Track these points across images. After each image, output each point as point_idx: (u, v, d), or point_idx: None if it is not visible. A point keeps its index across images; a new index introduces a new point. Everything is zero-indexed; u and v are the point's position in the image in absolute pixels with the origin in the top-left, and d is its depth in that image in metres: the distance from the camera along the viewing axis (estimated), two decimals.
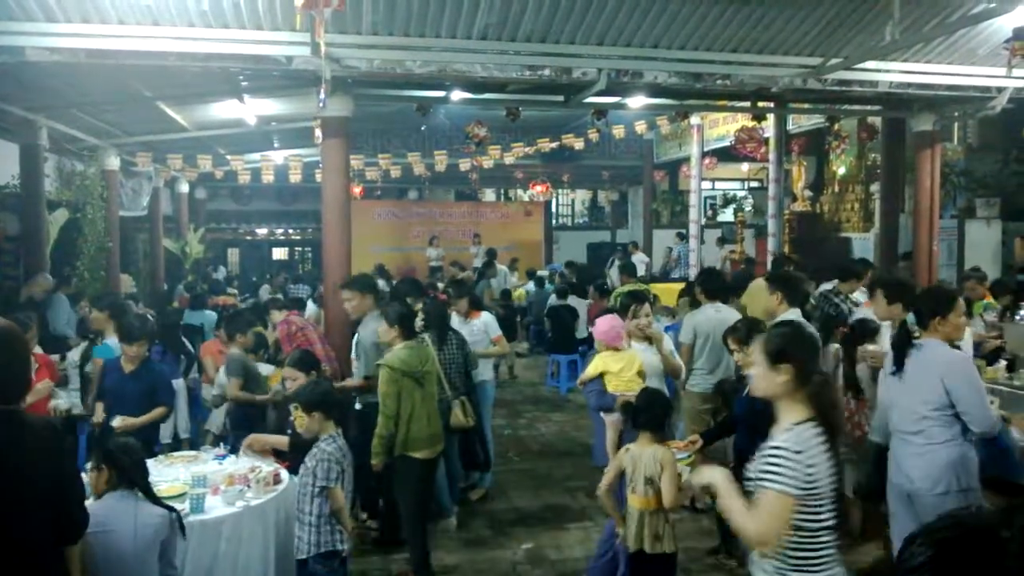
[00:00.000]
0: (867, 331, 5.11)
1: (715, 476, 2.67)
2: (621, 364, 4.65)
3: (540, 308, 12.30)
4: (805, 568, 2.51)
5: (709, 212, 20.38)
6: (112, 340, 6.06)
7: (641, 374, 4.61)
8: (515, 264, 15.70)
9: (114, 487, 3.27)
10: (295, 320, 6.71)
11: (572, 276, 13.31)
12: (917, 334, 3.97)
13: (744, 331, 4.23)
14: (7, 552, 2.40)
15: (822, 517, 2.48)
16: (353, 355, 5.64)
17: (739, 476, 4.04)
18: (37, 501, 2.46)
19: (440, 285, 10.58)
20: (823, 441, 2.48)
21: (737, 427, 4.34)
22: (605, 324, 4.78)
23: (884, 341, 4.73)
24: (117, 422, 4.83)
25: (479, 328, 6.51)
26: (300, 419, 3.90)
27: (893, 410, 4.02)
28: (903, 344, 3.95)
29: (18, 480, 2.41)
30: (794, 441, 2.46)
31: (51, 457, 2.52)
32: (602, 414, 4.68)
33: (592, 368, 4.74)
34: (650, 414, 4.04)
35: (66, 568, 2.63)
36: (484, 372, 6.53)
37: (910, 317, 4.08)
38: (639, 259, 15.86)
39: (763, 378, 2.62)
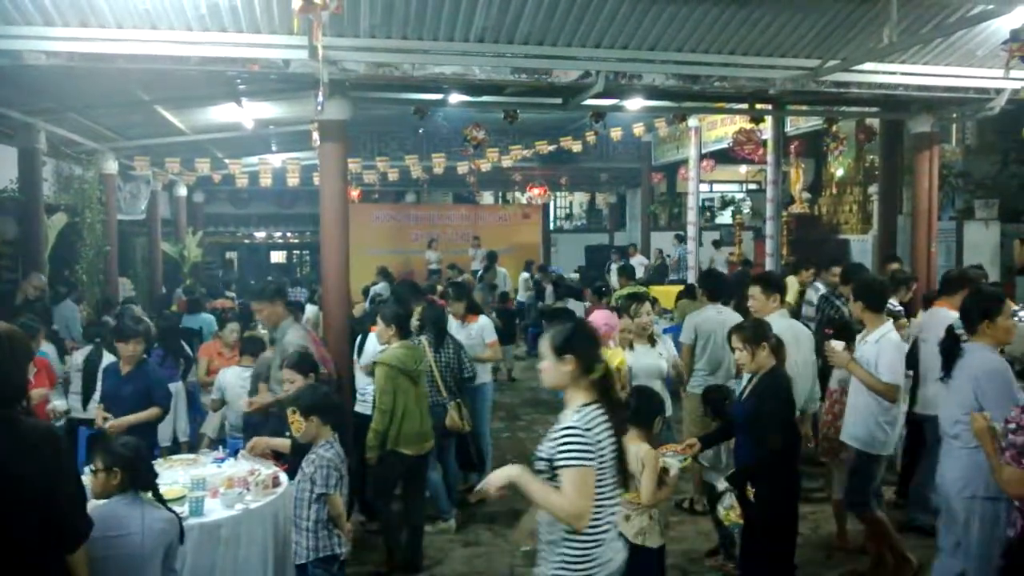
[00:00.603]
0: (846, 332, 5.16)
1: (510, 472, 2.89)
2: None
3: (538, 311, 12.28)
4: (585, 542, 2.78)
5: (707, 214, 20.40)
6: (45, 347, 6.04)
7: (620, 367, 4.57)
8: (530, 267, 15.58)
9: (123, 490, 3.24)
10: None
11: (546, 282, 13.10)
12: (966, 338, 3.95)
13: (751, 331, 4.21)
14: (5, 557, 2.39)
15: (605, 491, 2.80)
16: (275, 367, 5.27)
17: (739, 481, 4.07)
18: (34, 505, 2.43)
19: (439, 288, 10.57)
20: (606, 420, 2.82)
21: (736, 432, 4.32)
22: (601, 318, 4.79)
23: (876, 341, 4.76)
24: (110, 423, 4.81)
25: (476, 332, 6.51)
26: (297, 423, 3.88)
27: (940, 413, 4.10)
28: (951, 350, 3.92)
29: (14, 484, 2.40)
30: (583, 420, 2.75)
31: (48, 461, 2.50)
32: None
33: None
34: (642, 411, 4.06)
35: (69, 573, 2.61)
36: (483, 374, 6.53)
37: (957, 320, 4.07)
38: (638, 261, 15.84)
39: (550, 369, 2.88)
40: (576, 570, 2.81)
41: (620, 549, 2.95)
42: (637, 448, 3.99)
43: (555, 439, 2.77)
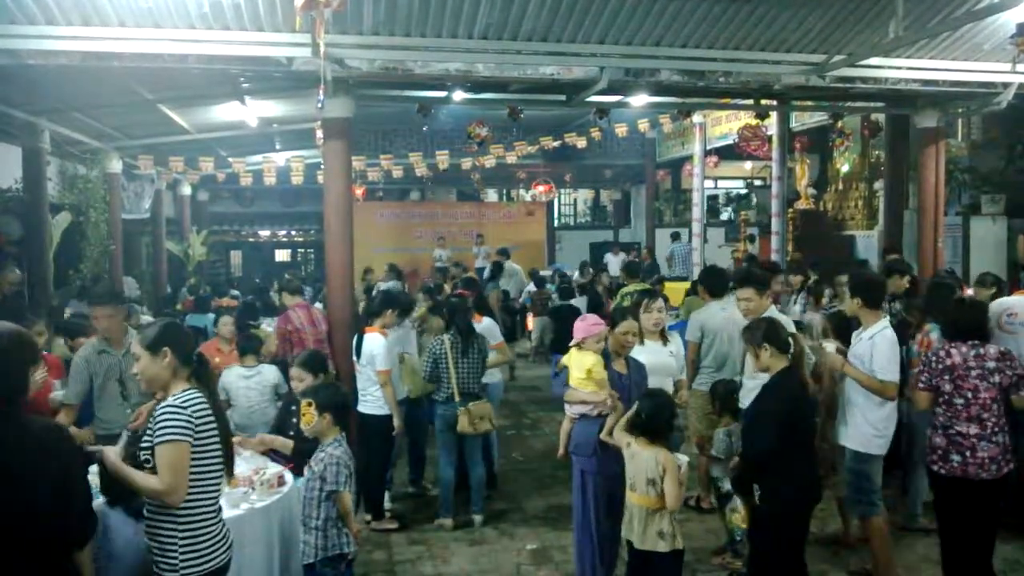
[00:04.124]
0: (842, 329, 5.13)
1: (110, 455, 2.98)
2: (576, 362, 4.51)
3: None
4: (196, 518, 2.89)
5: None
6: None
7: (591, 374, 4.46)
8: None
9: None
10: (292, 319, 6.72)
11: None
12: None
13: (748, 333, 4.16)
14: (11, 556, 2.37)
15: (207, 469, 2.92)
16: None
17: (741, 484, 4.05)
18: (43, 503, 2.42)
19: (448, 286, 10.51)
20: (205, 404, 2.94)
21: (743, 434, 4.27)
22: (580, 323, 4.62)
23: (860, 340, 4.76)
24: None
25: (481, 333, 6.46)
26: (309, 416, 3.87)
27: None
28: None
29: (24, 482, 2.38)
30: (181, 400, 2.89)
31: (56, 458, 2.48)
32: (567, 407, 4.64)
33: (564, 357, 4.67)
34: (656, 421, 4.00)
35: (75, 571, 2.59)
36: (492, 373, 6.52)
37: None
38: (620, 259, 15.78)
39: (148, 366, 2.98)
40: (198, 549, 2.91)
41: (229, 530, 3.13)
42: (655, 453, 3.93)
43: (153, 422, 2.86)
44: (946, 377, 4.16)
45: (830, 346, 4.66)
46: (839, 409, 4.75)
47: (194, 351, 3.07)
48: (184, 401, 2.89)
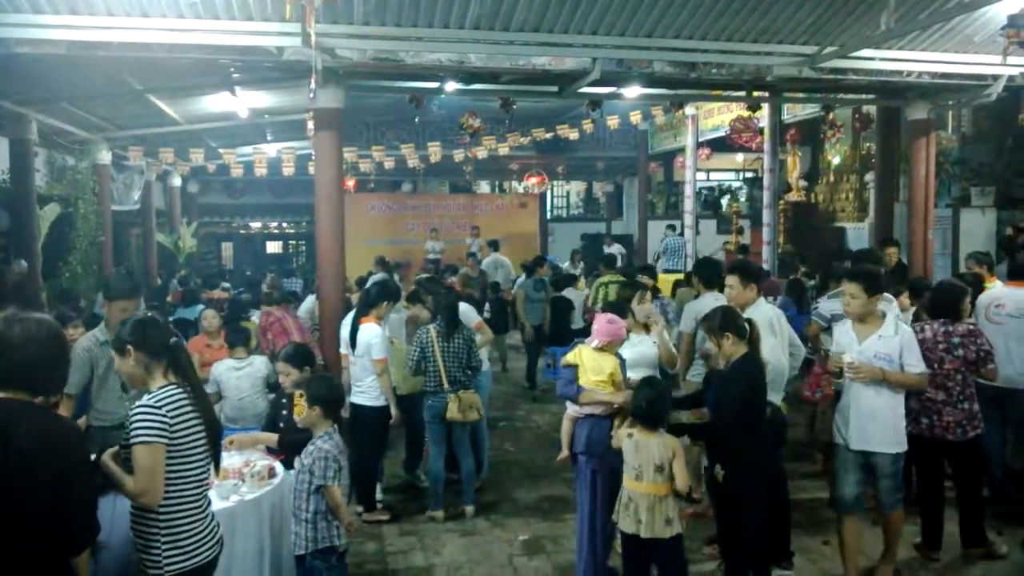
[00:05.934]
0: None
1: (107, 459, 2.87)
2: (593, 364, 4.48)
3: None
4: (178, 515, 2.85)
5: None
6: None
7: (612, 377, 4.45)
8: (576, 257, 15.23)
9: None
10: (273, 311, 6.73)
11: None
12: None
13: (712, 320, 4.16)
14: (12, 553, 2.29)
15: (190, 467, 2.87)
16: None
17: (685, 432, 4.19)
18: (48, 502, 2.34)
19: (454, 278, 10.47)
20: (188, 398, 2.90)
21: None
22: (606, 325, 4.55)
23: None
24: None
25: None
26: (300, 408, 3.88)
27: None
28: None
29: (33, 478, 2.30)
30: (154, 399, 2.83)
31: (67, 460, 2.40)
32: (571, 406, 4.62)
33: (572, 355, 4.62)
34: (655, 409, 4.02)
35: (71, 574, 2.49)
36: (482, 361, 6.51)
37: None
38: (616, 250, 15.79)
39: (120, 366, 3.01)
40: (181, 546, 2.87)
41: (217, 525, 3.09)
42: (661, 438, 3.96)
43: (128, 423, 2.82)
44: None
45: (848, 357, 4.51)
46: (848, 415, 4.50)
47: (166, 343, 2.97)
48: (158, 400, 2.83)
